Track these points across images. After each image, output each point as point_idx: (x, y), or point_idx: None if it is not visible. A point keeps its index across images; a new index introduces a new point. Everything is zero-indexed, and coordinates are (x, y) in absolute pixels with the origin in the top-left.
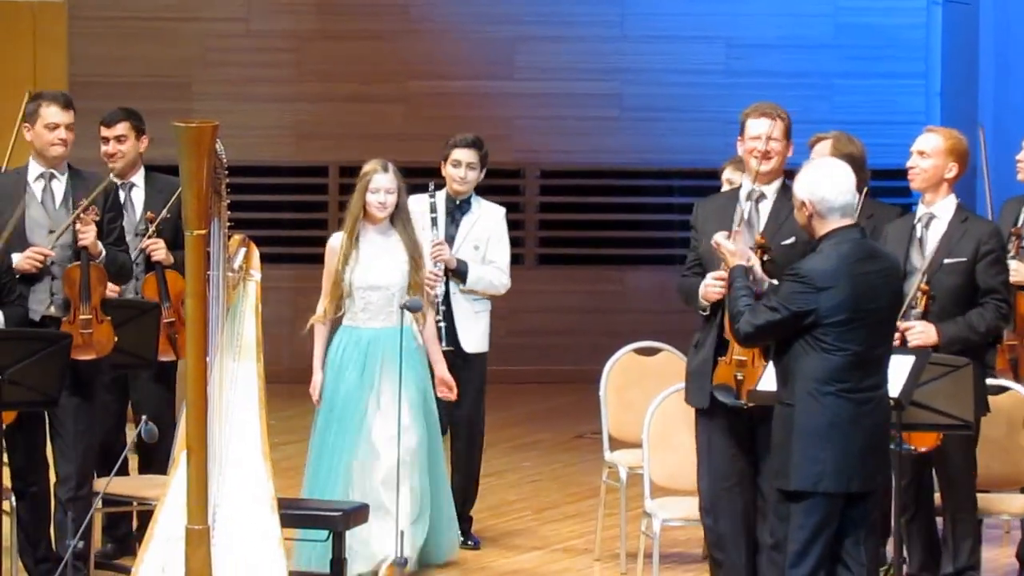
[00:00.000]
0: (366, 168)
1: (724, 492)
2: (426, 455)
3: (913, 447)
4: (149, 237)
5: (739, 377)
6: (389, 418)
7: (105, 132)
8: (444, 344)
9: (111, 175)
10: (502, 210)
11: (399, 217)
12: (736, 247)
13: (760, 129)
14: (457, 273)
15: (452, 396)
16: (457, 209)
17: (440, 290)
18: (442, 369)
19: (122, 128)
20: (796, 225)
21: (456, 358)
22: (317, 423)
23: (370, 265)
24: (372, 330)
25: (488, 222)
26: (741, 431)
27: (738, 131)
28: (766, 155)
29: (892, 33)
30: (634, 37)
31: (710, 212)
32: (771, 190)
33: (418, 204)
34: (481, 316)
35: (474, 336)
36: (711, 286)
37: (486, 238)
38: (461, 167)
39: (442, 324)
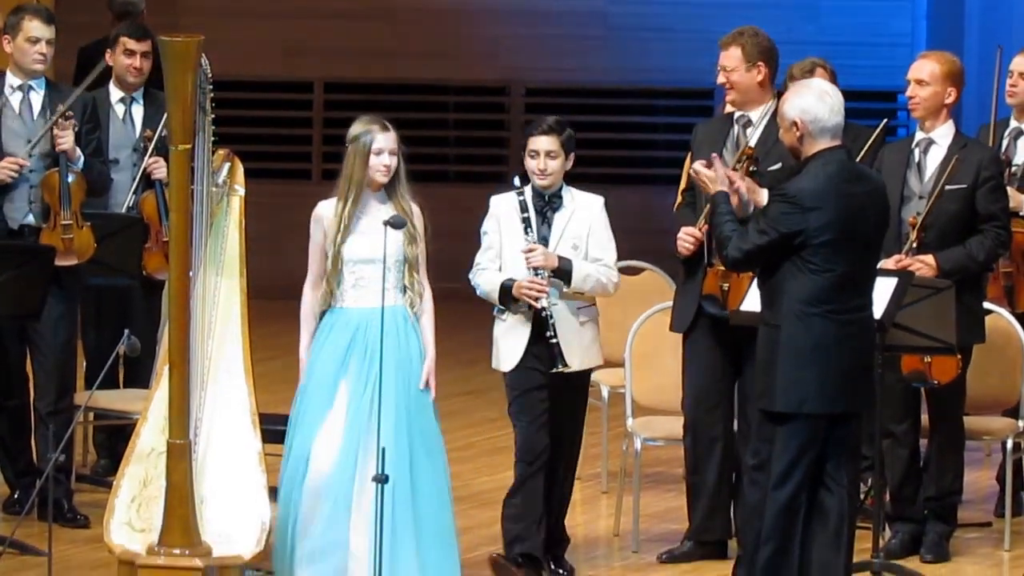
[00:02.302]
0: (361, 128)
1: (705, 415)
2: (410, 485)
3: (937, 381)
4: (148, 155)
5: (725, 288)
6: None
7: (133, 46)
8: (558, 366)
9: (121, 90)
10: (599, 200)
11: (397, 183)
12: (715, 173)
13: (720, 61)
14: (561, 274)
15: (431, 396)
16: (547, 205)
17: (547, 301)
18: (431, 362)
19: (148, 45)
20: (780, 150)
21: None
22: (293, 422)
23: (365, 236)
24: (364, 310)
25: (585, 215)
26: (726, 353)
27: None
28: (724, 87)
29: None
30: None
31: (706, 135)
32: (757, 115)
33: (505, 204)
34: (588, 327)
35: (578, 351)
36: (682, 240)
37: (585, 234)
38: (539, 157)
39: (555, 341)
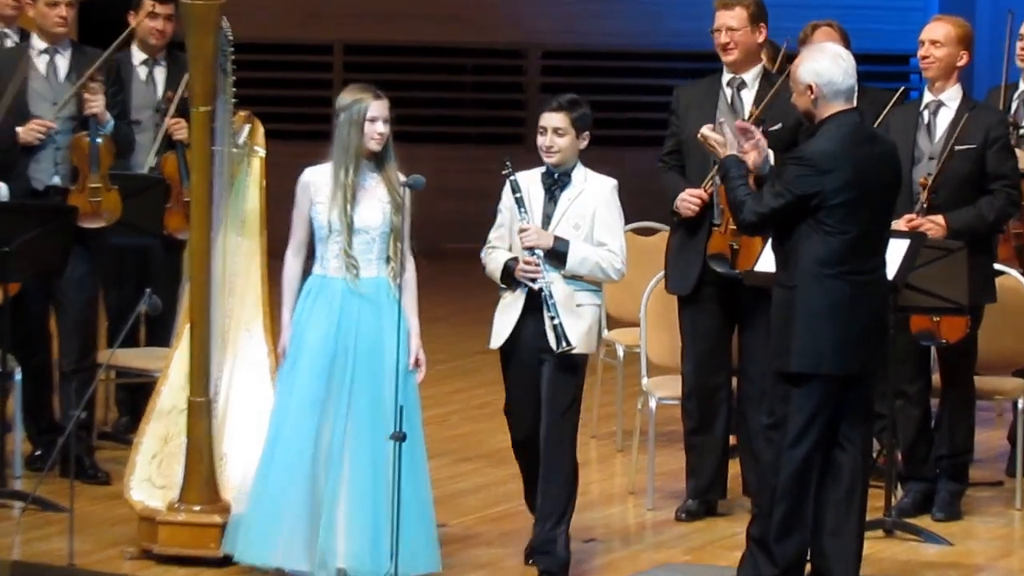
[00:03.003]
0: (353, 96)
1: (710, 377)
2: (384, 463)
3: (945, 340)
4: (170, 116)
5: (735, 246)
6: (364, 395)
7: (159, 9)
8: (561, 345)
9: (143, 52)
10: (611, 182)
11: (387, 152)
12: (724, 137)
13: (720, 21)
14: (556, 255)
15: (420, 374)
16: (556, 183)
17: (543, 282)
18: (417, 339)
19: (171, 8)
20: (780, 111)
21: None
22: (278, 390)
23: (360, 204)
24: (346, 280)
25: (592, 196)
26: (727, 316)
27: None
28: (725, 47)
29: None
30: None
31: (692, 98)
32: (751, 77)
33: (519, 181)
34: (585, 312)
35: (574, 336)
36: (686, 201)
37: (590, 214)
38: (547, 134)
39: (557, 322)
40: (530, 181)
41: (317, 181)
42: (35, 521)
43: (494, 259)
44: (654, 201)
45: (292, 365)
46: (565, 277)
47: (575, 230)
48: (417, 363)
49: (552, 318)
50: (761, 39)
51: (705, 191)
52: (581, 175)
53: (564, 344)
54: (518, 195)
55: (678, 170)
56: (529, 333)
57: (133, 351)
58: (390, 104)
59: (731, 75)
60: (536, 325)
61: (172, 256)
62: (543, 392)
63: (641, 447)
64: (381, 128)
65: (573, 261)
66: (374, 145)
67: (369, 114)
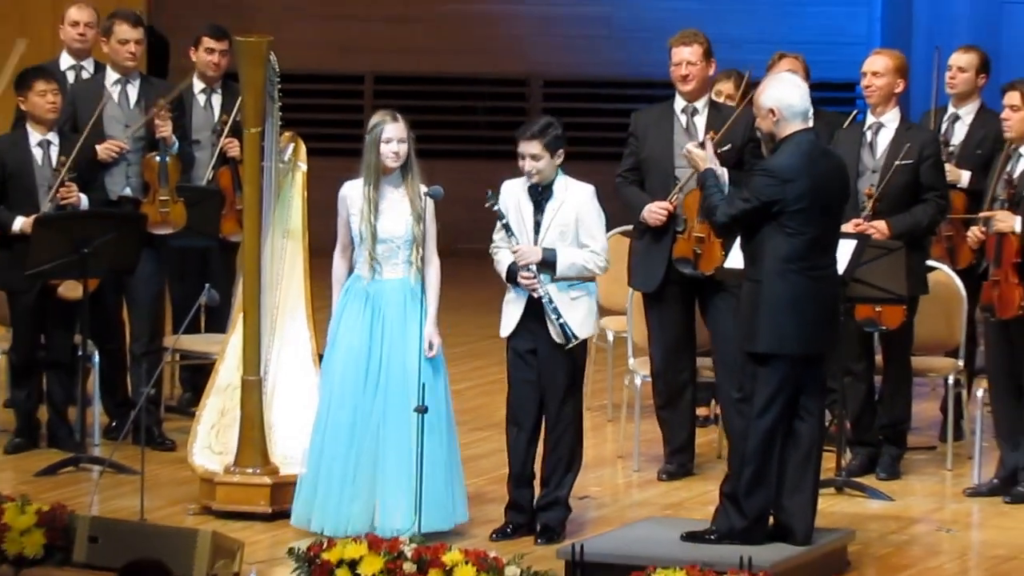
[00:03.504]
0: (375, 120)
1: (673, 361)
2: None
3: (886, 326)
4: (224, 136)
5: (698, 251)
6: (395, 376)
7: (214, 44)
8: (571, 341)
9: (202, 81)
10: (589, 188)
11: (408, 169)
12: (706, 153)
13: (679, 56)
14: (546, 265)
15: (431, 354)
16: (541, 196)
17: (542, 290)
18: (431, 326)
19: (226, 44)
20: (729, 134)
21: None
22: (322, 373)
23: (384, 215)
24: (377, 281)
25: (573, 204)
26: (688, 309)
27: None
28: (685, 78)
29: None
30: None
31: (649, 122)
32: (701, 104)
33: (508, 191)
34: (580, 302)
35: (576, 327)
36: (655, 213)
37: (572, 220)
38: (525, 160)
39: (562, 322)
40: (519, 192)
41: (352, 195)
42: (111, 482)
43: (499, 260)
44: None
45: (331, 352)
46: (555, 279)
47: (561, 237)
48: (431, 345)
49: (557, 319)
50: (711, 71)
51: (671, 204)
52: (562, 185)
53: (572, 339)
54: (504, 222)
55: (638, 184)
56: (532, 324)
57: (194, 337)
58: (411, 125)
59: (685, 103)
60: (538, 317)
61: (227, 256)
62: (546, 376)
63: (628, 418)
64: (395, 148)
65: (562, 267)
66: (389, 163)
67: (384, 135)
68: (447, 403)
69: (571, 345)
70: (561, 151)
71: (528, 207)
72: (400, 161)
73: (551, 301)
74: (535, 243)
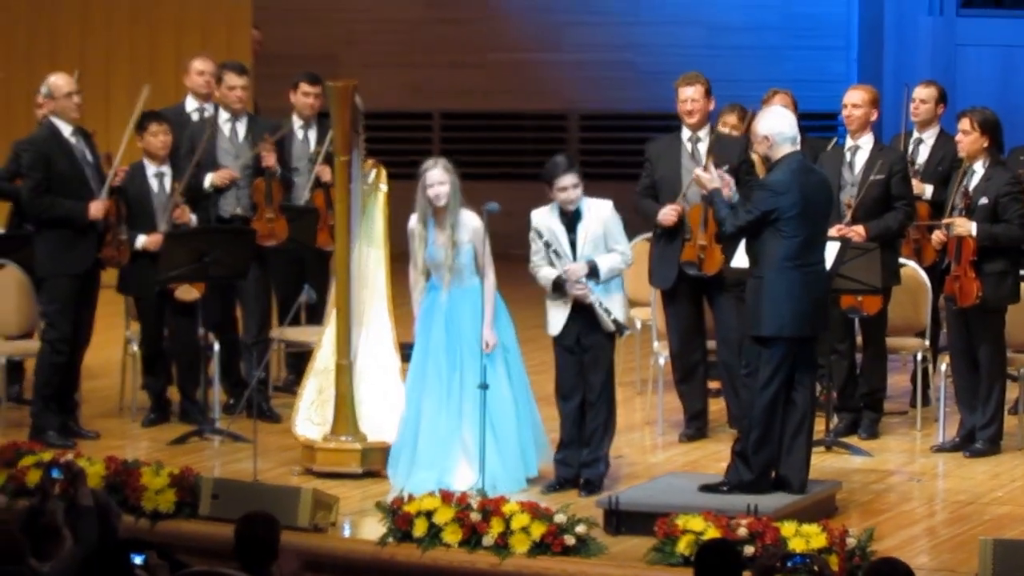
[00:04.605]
0: (423, 166)
1: (687, 344)
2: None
3: (866, 312)
4: (318, 164)
5: (701, 256)
6: (469, 362)
7: (309, 88)
8: (620, 333)
9: (300, 119)
10: (608, 203)
11: (452, 206)
12: (712, 176)
13: (684, 94)
14: (592, 273)
15: (488, 349)
16: (573, 219)
17: (593, 297)
18: (487, 328)
19: (319, 88)
20: (725, 159)
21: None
22: (412, 363)
23: (434, 246)
24: (440, 289)
25: (598, 219)
26: (697, 302)
27: (714, 88)
28: (690, 112)
29: (823, 18)
30: (644, 20)
31: (660, 149)
32: (704, 134)
33: (539, 218)
34: (616, 296)
35: (616, 310)
36: (668, 214)
37: (601, 232)
38: (567, 191)
39: (613, 317)
40: (548, 218)
41: (414, 227)
42: (228, 449)
43: (543, 276)
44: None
45: (418, 344)
46: (600, 283)
47: (594, 248)
48: (487, 344)
49: (608, 315)
50: (711, 107)
51: (679, 206)
52: (586, 205)
53: (624, 330)
54: (553, 249)
55: (652, 199)
56: (576, 324)
57: (296, 328)
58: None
59: (690, 132)
60: (581, 316)
61: (322, 262)
62: (588, 360)
63: (653, 391)
64: (435, 191)
65: (603, 273)
66: (436, 202)
67: (427, 181)
68: (518, 384)
69: (624, 335)
70: (582, 183)
71: (560, 229)
72: (443, 200)
73: (601, 304)
74: (574, 259)
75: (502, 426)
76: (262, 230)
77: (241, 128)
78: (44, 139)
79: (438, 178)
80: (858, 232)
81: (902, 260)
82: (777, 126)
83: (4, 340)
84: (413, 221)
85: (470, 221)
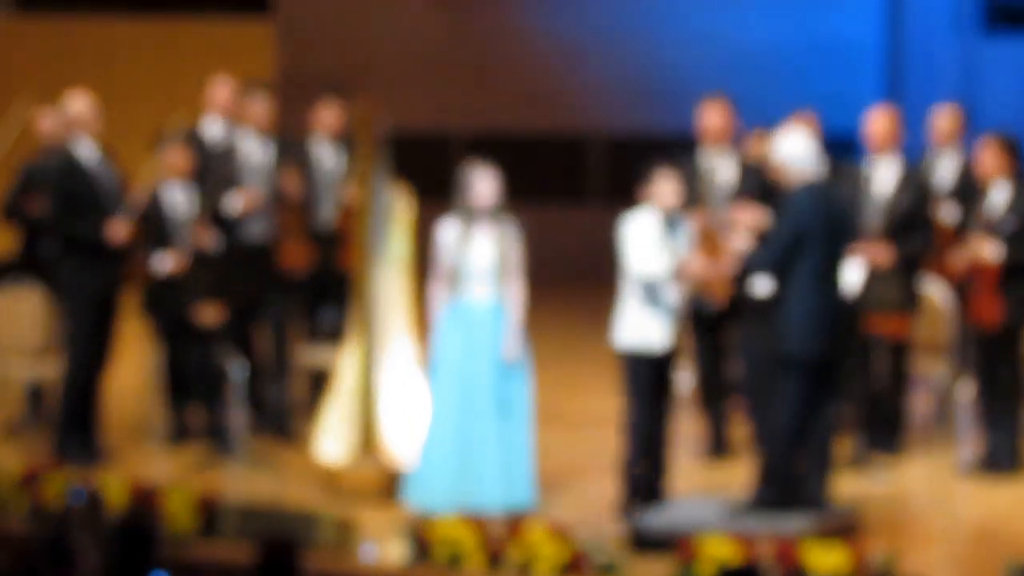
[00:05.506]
0: (468, 168)
1: (711, 366)
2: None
3: (890, 333)
4: (344, 186)
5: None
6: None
7: (332, 108)
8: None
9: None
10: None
11: (497, 207)
12: (750, 218)
13: (708, 114)
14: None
15: (508, 359)
16: (671, 224)
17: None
18: (511, 339)
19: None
20: (748, 183)
21: None
22: (432, 377)
23: (476, 248)
24: (472, 302)
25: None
26: (721, 325)
27: (737, 109)
28: (712, 133)
29: (847, 38)
30: (668, 41)
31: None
32: (726, 153)
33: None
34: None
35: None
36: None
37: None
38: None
39: None
40: (651, 226)
41: (444, 234)
42: (250, 472)
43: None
44: None
45: (436, 364)
46: None
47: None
48: (506, 357)
49: None
50: (732, 126)
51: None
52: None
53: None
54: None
55: None
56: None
57: (318, 350)
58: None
59: (711, 152)
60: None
61: (345, 284)
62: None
63: (677, 412)
64: (483, 188)
65: None
66: (478, 201)
67: (473, 179)
68: (526, 400)
69: None
70: None
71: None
72: (487, 200)
73: None
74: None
75: (521, 443)
76: (285, 254)
77: (265, 150)
78: (60, 165)
79: (484, 177)
80: (883, 253)
81: (926, 281)
82: (793, 152)
83: (25, 360)
84: (444, 227)
85: (509, 228)
